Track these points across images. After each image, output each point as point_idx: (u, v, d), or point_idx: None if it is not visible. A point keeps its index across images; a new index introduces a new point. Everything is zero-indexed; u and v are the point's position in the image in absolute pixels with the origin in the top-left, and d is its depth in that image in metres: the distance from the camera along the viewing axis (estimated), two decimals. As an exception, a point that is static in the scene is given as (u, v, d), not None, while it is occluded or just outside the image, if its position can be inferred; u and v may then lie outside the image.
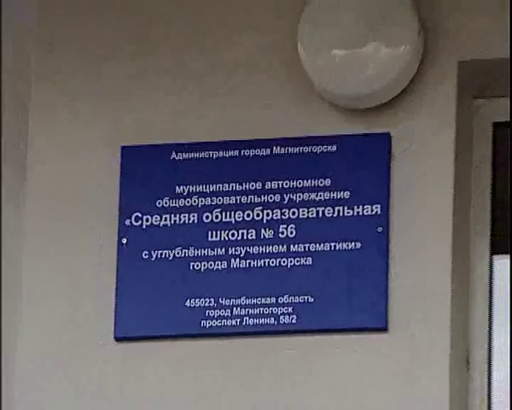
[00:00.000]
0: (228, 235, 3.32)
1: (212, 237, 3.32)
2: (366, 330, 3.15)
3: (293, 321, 3.19)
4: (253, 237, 3.30)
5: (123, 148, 3.39)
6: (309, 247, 3.25)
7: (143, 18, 3.68)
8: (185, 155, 3.38)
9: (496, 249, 3.40)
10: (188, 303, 3.26)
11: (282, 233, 3.26)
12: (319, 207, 3.27)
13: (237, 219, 3.34)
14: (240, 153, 3.37)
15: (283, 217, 3.29)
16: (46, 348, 3.48)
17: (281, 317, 3.20)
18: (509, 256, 3.49)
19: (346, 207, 3.26)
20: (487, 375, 3.37)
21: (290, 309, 3.21)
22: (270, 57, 3.44)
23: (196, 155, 3.39)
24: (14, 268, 3.67)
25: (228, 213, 3.34)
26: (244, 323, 3.23)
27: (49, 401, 3.50)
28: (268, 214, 3.29)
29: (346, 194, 3.25)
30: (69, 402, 3.44)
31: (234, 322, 3.22)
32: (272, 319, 3.20)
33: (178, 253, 3.31)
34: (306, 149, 3.32)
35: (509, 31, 3.40)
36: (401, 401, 3.19)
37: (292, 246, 3.26)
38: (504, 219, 3.49)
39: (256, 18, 3.52)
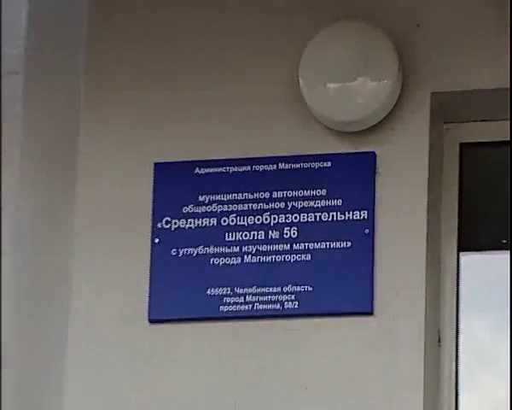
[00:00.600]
0: (241, 235, 3.52)
1: (228, 237, 3.53)
2: (356, 313, 3.36)
3: (296, 307, 3.41)
4: (262, 237, 3.51)
5: (155, 164, 3.65)
6: (308, 245, 3.45)
7: (175, 58, 3.85)
8: (206, 170, 3.60)
9: (462, 248, 3.61)
10: (208, 292, 3.48)
11: (286, 234, 3.48)
12: (317, 212, 3.48)
13: (249, 223, 3.54)
14: (251, 168, 3.58)
15: (287, 221, 3.51)
16: (94, 329, 3.67)
17: (285, 303, 3.41)
18: (476, 253, 3.67)
19: (338, 213, 3.47)
20: (455, 351, 3.54)
21: (293, 297, 3.42)
22: (277, 90, 3.66)
23: (215, 170, 3.60)
24: (66, 264, 3.81)
25: (241, 218, 3.55)
26: (255, 308, 3.45)
27: (99, 372, 3.67)
28: (274, 218, 3.52)
29: (339, 202, 3.47)
30: (118, 368, 3.65)
31: (246, 307, 3.45)
32: (278, 304, 3.42)
33: (201, 250, 3.53)
34: (306, 165, 3.54)
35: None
36: (384, 370, 3.38)
37: (294, 245, 3.47)
38: (469, 222, 3.69)
39: (265, 57, 3.72)
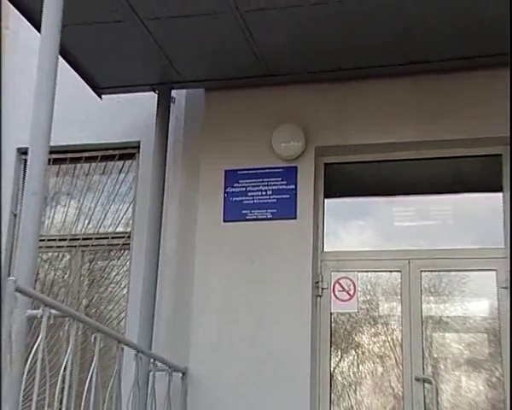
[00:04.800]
0: (254, 194, 3.98)
1: (248, 194, 3.99)
2: (290, 218, 3.89)
3: (270, 216, 3.92)
4: (260, 194, 3.97)
5: (225, 171, 4.07)
6: (275, 197, 3.95)
7: (229, 137, 4.10)
8: (242, 172, 4.04)
9: (325, 196, 4.04)
10: (242, 211, 3.98)
11: (267, 194, 3.96)
12: (277, 186, 3.97)
13: (254, 189, 3.99)
14: (255, 171, 4.00)
15: (268, 188, 3.97)
16: (206, 226, 4.02)
17: (267, 215, 3.93)
18: (331, 199, 3.98)
19: (285, 186, 3.94)
20: (322, 230, 3.92)
21: (270, 213, 3.93)
22: (265, 146, 4.03)
23: (244, 172, 4.03)
24: (196, 208, 4.06)
25: (253, 188, 4.00)
26: (257, 216, 3.95)
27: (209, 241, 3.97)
28: (264, 188, 3.98)
29: (285, 183, 3.95)
30: (212, 235, 3.97)
31: (254, 216, 3.96)
32: (265, 215, 3.93)
33: (239, 198, 4.00)
34: (273, 171, 3.99)
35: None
36: (298, 237, 3.85)
37: (269, 196, 3.96)
38: (327, 187, 4.00)
39: (260, 136, 4.02)
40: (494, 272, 3.68)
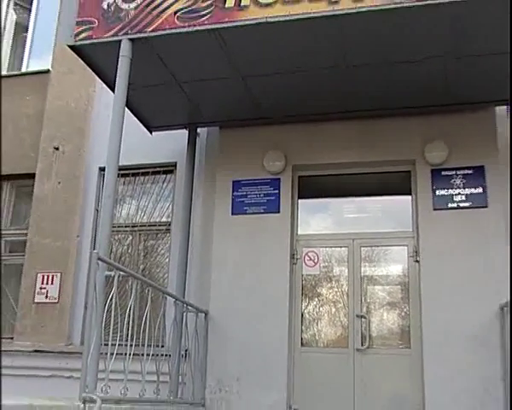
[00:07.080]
0: (252, 196, 3.82)
1: (248, 196, 3.80)
2: (274, 212, 3.78)
3: (262, 211, 3.79)
4: (256, 196, 3.80)
5: (233, 181, 3.95)
6: (265, 198, 3.78)
7: (236, 162, 3.92)
8: (243, 182, 3.88)
9: (299, 197, 3.88)
10: (244, 208, 3.82)
11: (261, 196, 3.81)
12: (267, 191, 3.83)
13: (251, 194, 3.82)
14: (253, 181, 3.82)
15: (261, 193, 3.80)
16: (222, 215, 3.84)
17: (261, 209, 3.76)
18: (304, 199, 3.83)
19: (272, 191, 3.80)
20: (294, 221, 3.79)
21: (262, 208, 3.78)
22: (259, 166, 3.88)
23: (245, 182, 3.87)
24: (213, 208, 3.89)
25: (250, 192, 3.77)
26: (255, 211, 3.79)
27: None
28: (259, 192, 3.80)
29: (272, 188, 3.82)
30: (227, 223, 3.76)
31: (252, 211, 3.81)
32: (259, 209, 3.78)
33: (241, 198, 3.82)
34: (263, 180, 3.86)
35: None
36: (280, 224, 3.67)
37: (261, 199, 3.80)
38: (299, 192, 3.86)
39: (256, 163, 3.90)
40: (406, 247, 3.75)
